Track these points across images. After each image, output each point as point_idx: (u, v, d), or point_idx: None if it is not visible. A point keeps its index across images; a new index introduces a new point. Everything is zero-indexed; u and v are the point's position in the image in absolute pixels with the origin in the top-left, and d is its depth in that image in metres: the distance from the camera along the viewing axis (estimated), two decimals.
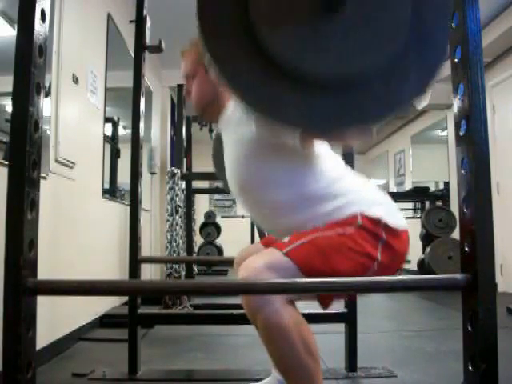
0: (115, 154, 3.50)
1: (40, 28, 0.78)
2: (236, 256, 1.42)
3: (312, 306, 1.10)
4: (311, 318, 1.10)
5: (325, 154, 1.16)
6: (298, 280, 0.84)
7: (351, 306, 1.77)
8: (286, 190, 1.10)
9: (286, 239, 1.07)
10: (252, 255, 1.06)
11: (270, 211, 1.15)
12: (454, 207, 4.77)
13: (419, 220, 4.92)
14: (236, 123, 1.16)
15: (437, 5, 0.74)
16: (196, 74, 1.26)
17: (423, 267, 4.58)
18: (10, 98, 0.76)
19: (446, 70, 0.79)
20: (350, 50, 0.71)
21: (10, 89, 0.75)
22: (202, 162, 3.57)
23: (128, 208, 1.91)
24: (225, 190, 1.40)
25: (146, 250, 3.97)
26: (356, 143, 0.99)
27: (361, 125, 0.74)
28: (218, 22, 0.71)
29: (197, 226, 6.11)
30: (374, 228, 1.05)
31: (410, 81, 0.73)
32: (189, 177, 4.23)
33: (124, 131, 3.78)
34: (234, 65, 0.70)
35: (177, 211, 3.64)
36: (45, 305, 1.81)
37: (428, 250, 4.42)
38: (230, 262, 1.48)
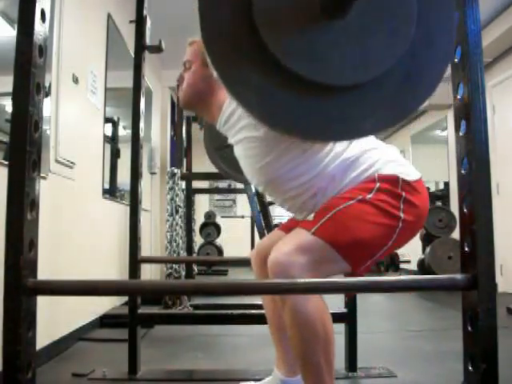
0: (115, 154, 3.49)
1: (40, 28, 0.78)
2: (256, 247, 1.43)
3: None
4: None
5: None
6: (299, 280, 0.84)
7: (351, 306, 1.77)
8: (308, 175, 1.12)
9: (311, 217, 1.08)
10: (275, 242, 1.08)
11: (296, 196, 1.16)
12: (454, 207, 4.76)
13: None
14: (240, 126, 1.16)
15: (440, 6, 0.74)
16: (192, 65, 1.26)
17: (423, 267, 4.58)
18: (10, 97, 0.76)
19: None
20: (357, 55, 0.71)
21: (10, 89, 0.75)
22: (202, 162, 3.56)
23: (128, 208, 1.91)
24: (233, 178, 1.37)
25: (146, 250, 3.97)
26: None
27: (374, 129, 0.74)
28: (222, 30, 0.70)
29: (197, 226, 6.11)
30: (393, 188, 1.07)
31: (420, 83, 0.73)
32: (189, 177, 4.23)
33: (124, 131, 3.77)
34: (241, 72, 0.70)
35: (177, 211, 3.65)
36: (45, 305, 1.81)
37: (428, 249, 4.42)
38: (229, 262, 1.48)
